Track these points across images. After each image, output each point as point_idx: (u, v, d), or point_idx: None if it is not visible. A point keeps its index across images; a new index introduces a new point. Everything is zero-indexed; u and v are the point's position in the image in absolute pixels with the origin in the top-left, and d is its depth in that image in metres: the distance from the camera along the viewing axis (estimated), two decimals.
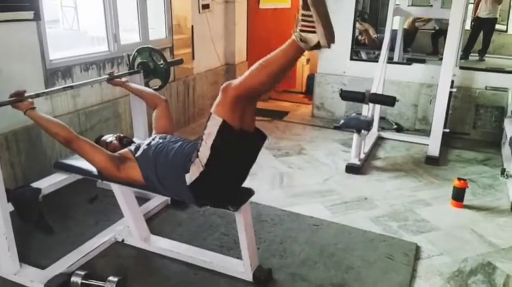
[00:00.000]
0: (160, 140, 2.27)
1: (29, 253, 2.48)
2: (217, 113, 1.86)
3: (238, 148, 1.95)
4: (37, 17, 2.99)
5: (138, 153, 2.23)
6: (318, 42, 1.69)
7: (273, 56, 1.80)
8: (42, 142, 3.14)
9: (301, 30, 1.71)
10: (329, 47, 1.71)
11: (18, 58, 2.94)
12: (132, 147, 2.31)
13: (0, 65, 2.81)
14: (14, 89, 2.28)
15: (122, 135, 2.52)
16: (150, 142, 2.28)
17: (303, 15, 1.69)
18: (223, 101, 1.85)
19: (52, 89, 2.81)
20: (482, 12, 6.38)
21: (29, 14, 2.93)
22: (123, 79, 2.84)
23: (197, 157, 1.94)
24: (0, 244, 2.22)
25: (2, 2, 2.74)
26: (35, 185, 2.41)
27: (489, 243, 2.78)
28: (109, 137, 2.48)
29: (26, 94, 2.21)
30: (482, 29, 6.40)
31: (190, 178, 1.99)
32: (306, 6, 1.66)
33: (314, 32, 1.68)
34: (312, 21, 1.67)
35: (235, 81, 1.84)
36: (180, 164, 2.07)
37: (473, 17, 6.50)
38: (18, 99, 2.17)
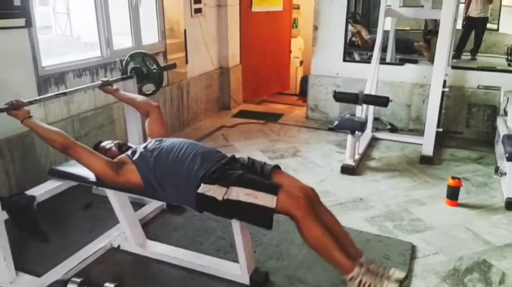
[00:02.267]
0: (157, 143, 2.30)
1: (25, 261, 2.47)
2: (281, 201, 1.95)
3: None
4: (29, 24, 2.98)
5: (136, 156, 2.24)
6: None
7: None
8: (36, 150, 3.13)
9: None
10: None
11: (10, 65, 2.93)
12: (129, 152, 2.32)
13: None
14: (6, 96, 2.28)
15: (121, 142, 2.53)
16: (146, 145, 2.30)
17: None
18: (297, 205, 1.98)
19: (45, 96, 2.80)
20: (474, 12, 6.41)
21: (21, 21, 2.92)
22: (115, 87, 2.84)
23: (228, 186, 2.00)
24: None
25: None
26: (29, 192, 2.39)
27: (484, 241, 2.80)
28: (108, 144, 2.49)
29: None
30: (473, 28, 6.43)
31: (207, 190, 2.03)
32: None
33: None
34: None
35: (305, 209, 2.00)
36: (180, 168, 2.09)
37: (465, 16, 6.54)
38: (14, 107, 2.17)
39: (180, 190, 2.12)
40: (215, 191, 2.01)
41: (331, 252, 1.98)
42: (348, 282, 1.99)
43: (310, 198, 2.08)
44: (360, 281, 1.94)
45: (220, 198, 1.99)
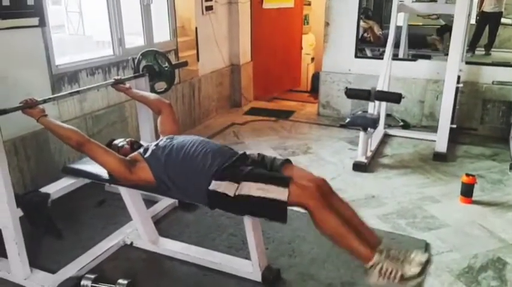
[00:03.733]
0: (168, 140, 2.31)
1: (39, 258, 2.50)
2: (293, 193, 1.92)
3: None
4: (42, 23, 3.01)
5: (147, 154, 2.25)
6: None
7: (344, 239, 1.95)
8: (50, 147, 3.17)
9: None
10: None
11: (25, 64, 2.97)
12: (141, 150, 2.33)
13: (6, 71, 2.83)
14: (21, 95, 2.31)
15: (133, 140, 2.54)
16: (158, 143, 2.32)
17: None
18: (309, 195, 1.94)
19: (59, 94, 2.84)
20: (488, 7, 6.32)
21: (34, 21, 2.96)
22: (127, 85, 2.86)
23: (239, 182, 2.00)
24: (10, 249, 2.25)
25: (6, 9, 2.76)
26: (43, 190, 2.43)
27: (499, 239, 2.76)
28: (121, 142, 2.50)
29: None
30: (487, 24, 6.34)
31: (218, 186, 2.03)
32: None
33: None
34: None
35: (318, 199, 1.95)
36: (191, 165, 2.10)
37: (479, 11, 6.45)
38: (29, 105, 2.21)
39: (192, 187, 2.12)
40: (226, 187, 2.01)
41: (348, 241, 1.93)
42: (369, 270, 1.93)
43: (322, 188, 2.05)
44: (381, 268, 1.89)
45: (231, 194, 1.99)
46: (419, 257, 1.91)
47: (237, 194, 1.98)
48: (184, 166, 2.15)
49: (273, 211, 1.96)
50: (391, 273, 1.86)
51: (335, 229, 1.93)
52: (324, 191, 2.04)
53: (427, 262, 1.91)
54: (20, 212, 2.25)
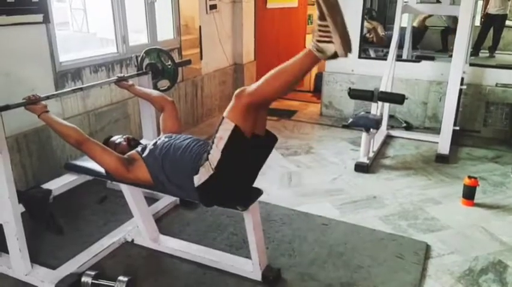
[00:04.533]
0: (166, 139, 2.29)
1: (40, 254, 2.51)
2: (230, 118, 1.87)
3: (249, 151, 1.96)
4: (46, 20, 3.02)
5: (145, 153, 2.25)
6: (335, 51, 1.68)
7: (288, 65, 1.81)
8: (52, 144, 3.17)
9: (318, 41, 1.70)
10: (346, 56, 1.70)
11: (28, 61, 2.97)
12: (139, 148, 2.33)
13: (10, 68, 2.84)
14: (24, 91, 2.31)
15: (130, 137, 2.54)
16: (156, 142, 2.31)
17: (319, 25, 1.69)
18: (237, 107, 1.86)
19: (62, 91, 2.84)
20: (492, 9, 6.31)
21: (38, 17, 2.96)
22: (130, 83, 2.86)
23: (207, 159, 1.95)
24: (11, 244, 2.25)
25: (11, 5, 2.77)
26: (45, 186, 2.43)
27: (500, 241, 2.76)
28: (118, 139, 2.50)
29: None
30: (492, 26, 6.34)
31: (199, 179, 2.00)
32: (322, 17, 1.66)
33: (331, 42, 1.68)
34: (329, 31, 1.67)
35: (250, 88, 1.86)
36: (187, 164, 2.09)
37: (483, 13, 6.44)
38: (32, 101, 2.21)
39: (186, 187, 2.11)
40: (204, 173, 1.97)
41: None
42: None
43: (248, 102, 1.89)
44: None
45: (212, 171, 1.93)
46: None
47: (213, 167, 1.92)
48: (181, 166, 2.14)
49: (239, 144, 1.89)
50: None
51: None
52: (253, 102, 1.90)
53: None
54: (21, 208, 2.25)
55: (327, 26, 1.67)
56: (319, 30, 1.69)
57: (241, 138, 1.88)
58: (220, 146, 1.89)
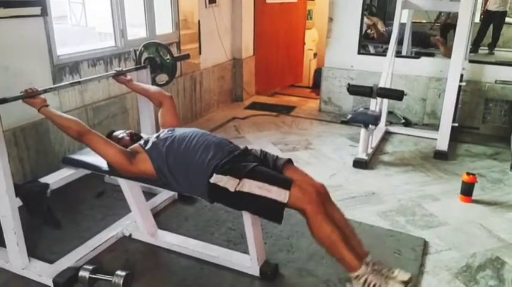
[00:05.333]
0: (169, 132, 2.30)
1: (37, 248, 2.51)
2: (294, 196, 1.95)
3: None
4: (44, 13, 2.99)
5: (148, 146, 2.24)
6: None
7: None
8: (50, 138, 3.16)
9: None
10: None
11: (26, 54, 2.96)
12: (142, 141, 2.33)
13: (7, 61, 2.82)
14: (22, 85, 2.30)
15: (133, 132, 2.53)
16: (159, 135, 2.31)
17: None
18: (309, 200, 1.97)
19: (60, 84, 2.83)
20: (492, 5, 6.29)
21: (36, 10, 2.94)
22: (128, 77, 2.84)
23: (240, 178, 1.99)
24: (9, 238, 2.25)
25: None
26: (43, 180, 2.42)
27: (498, 238, 2.76)
28: (121, 133, 2.50)
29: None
30: (492, 22, 6.31)
31: (218, 180, 2.03)
32: None
33: None
34: None
35: (317, 208, 1.98)
36: (192, 157, 2.10)
37: (483, 9, 6.42)
38: (30, 95, 2.20)
39: (193, 180, 2.12)
40: (227, 182, 2.01)
41: (339, 250, 1.97)
42: (353, 280, 1.99)
43: (321, 194, 2.07)
44: (366, 280, 1.95)
45: (232, 189, 1.98)
46: (402, 275, 1.97)
47: (237, 190, 1.98)
48: (185, 158, 2.14)
49: (270, 210, 1.98)
50: (374, 286, 1.91)
51: (329, 236, 1.96)
52: (322, 197, 2.06)
53: (410, 280, 1.96)
54: (19, 202, 2.24)
55: None
56: None
57: (276, 208, 1.96)
58: (258, 192, 1.96)
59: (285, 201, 1.93)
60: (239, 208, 2.12)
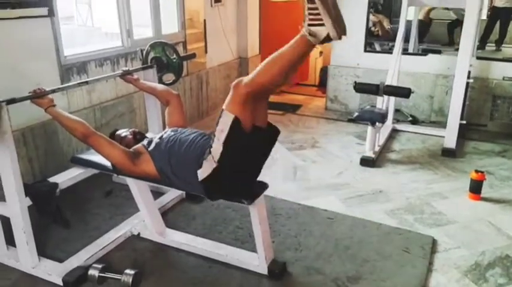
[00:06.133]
0: (172, 133, 2.29)
1: (47, 247, 2.52)
2: (229, 110, 1.86)
3: (251, 143, 1.95)
4: (51, 13, 3.01)
5: (151, 147, 2.24)
6: (328, 34, 1.63)
7: (283, 52, 1.76)
8: (58, 138, 3.18)
9: (309, 24, 1.66)
10: (340, 38, 1.65)
11: (34, 55, 2.97)
12: (145, 142, 2.33)
13: (15, 61, 2.84)
14: (30, 85, 2.31)
15: (136, 130, 2.54)
16: (162, 135, 2.30)
17: (308, 8, 1.64)
18: (235, 98, 1.84)
19: (68, 84, 2.83)
20: (499, 2, 6.25)
21: (43, 11, 2.96)
22: (135, 77, 2.85)
23: (210, 153, 1.94)
24: (18, 238, 2.26)
25: None
26: (52, 179, 2.44)
27: (507, 236, 2.74)
28: (124, 132, 2.51)
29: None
30: (499, 19, 6.28)
31: (202, 173, 1.99)
32: None
33: (322, 24, 1.63)
34: (319, 14, 1.62)
35: (246, 78, 1.83)
36: (193, 158, 2.08)
37: (490, 6, 6.38)
38: (38, 95, 2.21)
39: (192, 180, 2.10)
40: (208, 167, 1.96)
41: None
42: None
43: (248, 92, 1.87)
44: None
45: (215, 165, 1.93)
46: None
47: (216, 159, 1.92)
48: (186, 160, 2.13)
49: (240, 135, 1.88)
50: None
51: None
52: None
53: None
54: (28, 202, 2.26)
55: (316, 9, 1.62)
56: (309, 14, 1.64)
57: (242, 129, 1.86)
58: (222, 139, 1.88)
59: (233, 117, 1.84)
60: (233, 174, 2.02)
